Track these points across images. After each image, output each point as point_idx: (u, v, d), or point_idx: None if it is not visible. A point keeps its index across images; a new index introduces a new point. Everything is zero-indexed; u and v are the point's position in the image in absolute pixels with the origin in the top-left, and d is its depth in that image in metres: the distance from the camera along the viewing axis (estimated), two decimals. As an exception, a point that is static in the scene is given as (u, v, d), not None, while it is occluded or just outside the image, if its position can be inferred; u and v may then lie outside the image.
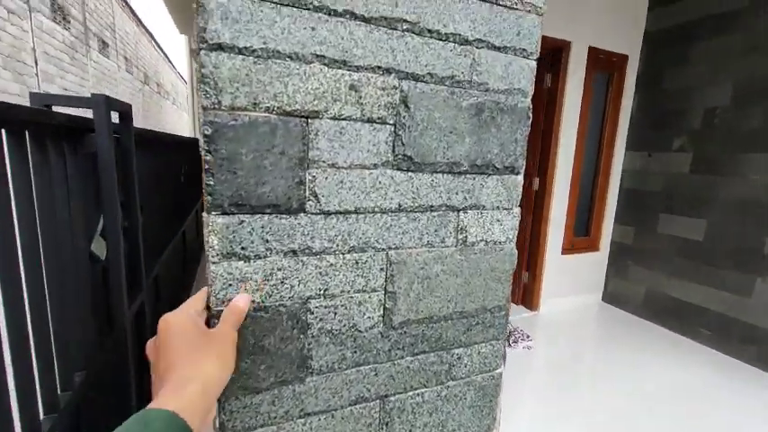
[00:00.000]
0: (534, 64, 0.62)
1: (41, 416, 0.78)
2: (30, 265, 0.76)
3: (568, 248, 3.45)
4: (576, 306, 3.54)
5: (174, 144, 2.71)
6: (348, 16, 0.49)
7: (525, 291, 3.51)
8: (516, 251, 0.69)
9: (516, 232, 0.68)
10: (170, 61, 13.81)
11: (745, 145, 2.70)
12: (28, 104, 1.01)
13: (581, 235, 3.57)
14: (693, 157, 3.01)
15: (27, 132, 0.75)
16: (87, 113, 1.08)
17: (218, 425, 0.50)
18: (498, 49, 0.59)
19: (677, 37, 3.13)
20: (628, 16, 3.31)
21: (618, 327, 3.21)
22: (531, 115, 0.64)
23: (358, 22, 0.50)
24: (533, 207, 3.40)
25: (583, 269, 3.56)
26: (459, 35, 0.56)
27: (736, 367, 2.65)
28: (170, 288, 2.45)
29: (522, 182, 0.66)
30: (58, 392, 0.86)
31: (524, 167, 0.65)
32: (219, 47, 0.44)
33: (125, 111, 1.33)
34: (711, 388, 2.40)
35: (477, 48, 0.57)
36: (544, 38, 3.02)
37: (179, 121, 14.50)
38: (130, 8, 9.97)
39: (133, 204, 1.41)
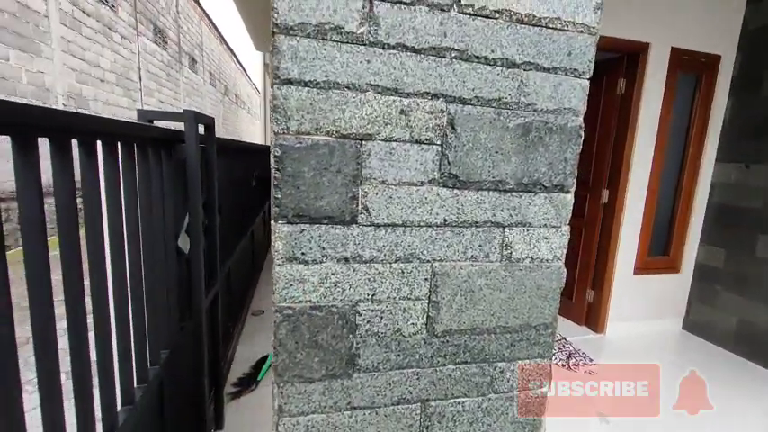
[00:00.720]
0: (587, 83, 0.62)
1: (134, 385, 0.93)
2: (132, 255, 0.92)
3: (641, 268, 3.15)
4: (650, 332, 3.21)
5: (248, 151, 3.00)
6: (400, 48, 0.54)
7: (590, 311, 3.27)
8: (565, 270, 0.69)
9: (565, 251, 0.68)
10: (246, 74, 15.15)
11: None
12: (135, 117, 1.22)
13: (658, 254, 3.24)
14: (804, 171, 2.59)
15: (135, 144, 0.92)
16: (179, 125, 1.27)
17: (276, 407, 0.58)
18: (547, 70, 0.60)
19: (786, 32, 2.73)
20: (721, 11, 2.96)
21: (701, 359, 2.85)
22: (582, 134, 0.63)
23: (409, 53, 0.54)
24: (601, 221, 3.17)
25: (659, 292, 3.22)
26: (507, 59, 0.58)
27: None
28: (239, 282, 2.71)
29: (573, 200, 0.66)
30: (148, 366, 1.01)
31: (578, 182, 0.65)
32: (289, 81, 0.51)
33: (209, 123, 1.53)
34: (821, 442, 2.03)
35: (525, 70, 0.59)
36: (617, 40, 2.82)
37: (252, 127, 15.81)
38: (216, 28, 11.13)
39: (213, 205, 1.60)
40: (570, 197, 0.65)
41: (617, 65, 3.04)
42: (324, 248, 0.56)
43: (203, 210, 1.50)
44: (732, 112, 3.09)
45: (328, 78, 0.52)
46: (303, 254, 0.55)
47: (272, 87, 0.52)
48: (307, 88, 0.52)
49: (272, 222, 0.54)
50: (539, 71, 0.60)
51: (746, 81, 3.00)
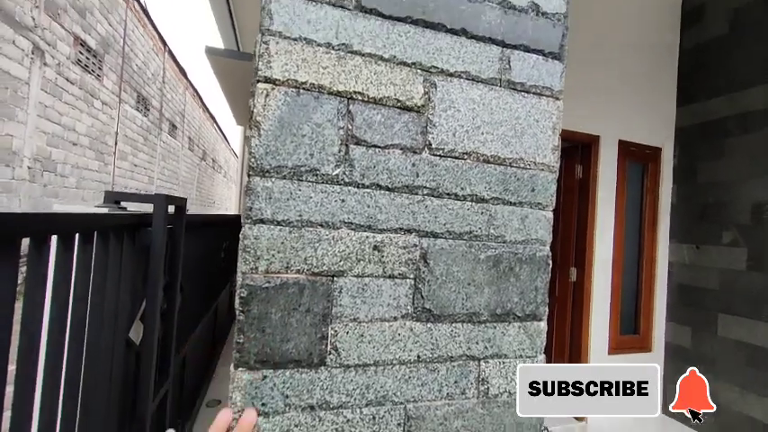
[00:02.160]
0: (551, 215, 0.65)
1: None
2: (72, 351, 0.80)
3: (615, 348, 3.15)
4: (630, 418, 3.11)
5: (218, 223, 2.93)
6: (374, 187, 0.56)
7: (568, 392, 3.16)
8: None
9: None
10: (226, 139, 15.51)
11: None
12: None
13: (629, 332, 3.27)
14: (749, 254, 2.80)
15: (96, 233, 0.85)
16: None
17: None
18: (514, 204, 0.63)
19: (710, 132, 3.14)
20: (659, 110, 3.40)
21: (683, 447, 2.74)
22: (550, 262, 0.65)
23: (382, 192, 0.56)
24: (573, 300, 3.21)
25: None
26: (476, 195, 0.61)
27: None
28: (197, 367, 2.45)
29: (546, 328, 0.65)
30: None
31: (545, 313, 0.65)
32: (261, 221, 0.50)
33: (181, 204, 1.48)
34: None
35: (493, 204, 0.62)
36: (573, 132, 3.13)
37: (227, 191, 15.77)
38: (200, 98, 11.56)
39: (174, 286, 1.50)
40: (543, 325, 0.65)
41: (574, 152, 3.34)
42: (287, 396, 0.51)
43: (163, 292, 1.39)
44: (678, 197, 3.39)
45: (302, 217, 0.52)
46: (264, 404, 0.50)
47: (242, 225, 0.51)
48: (279, 227, 0.51)
49: (231, 369, 0.49)
50: (506, 205, 0.62)
51: (685, 171, 3.35)
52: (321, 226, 0.53)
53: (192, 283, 2.01)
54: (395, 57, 0.55)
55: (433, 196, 0.58)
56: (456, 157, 0.60)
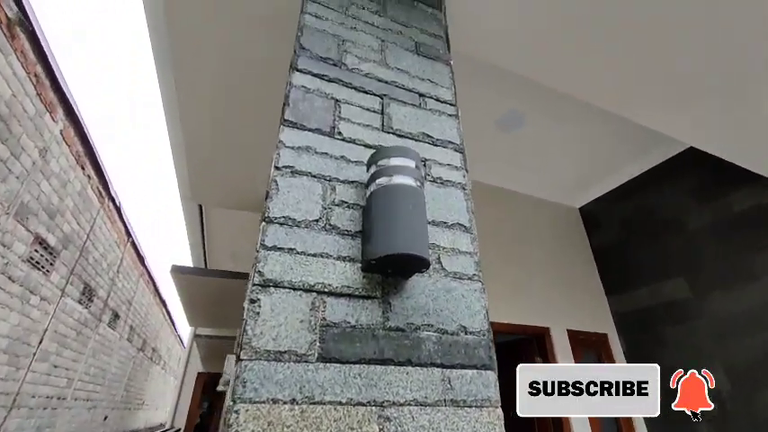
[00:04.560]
0: None
1: None
2: None
3: None
4: None
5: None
6: None
7: None
8: None
9: None
10: (173, 324, 14.39)
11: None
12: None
13: None
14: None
15: None
16: None
17: None
18: None
19: (642, 318, 3.48)
20: (594, 301, 3.81)
21: None
22: None
23: None
24: None
25: None
26: None
27: None
28: None
29: None
30: None
31: None
32: None
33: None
34: None
35: None
36: (525, 326, 3.35)
37: (163, 385, 13.62)
38: (153, 282, 11.28)
39: None
40: None
41: (529, 345, 3.49)
42: None
43: None
44: (636, 387, 3.42)
45: None
46: None
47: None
48: None
49: None
50: None
51: (634, 355, 3.52)
52: None
53: None
54: (351, 399, 0.62)
55: None
56: None
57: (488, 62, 1.85)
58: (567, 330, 3.53)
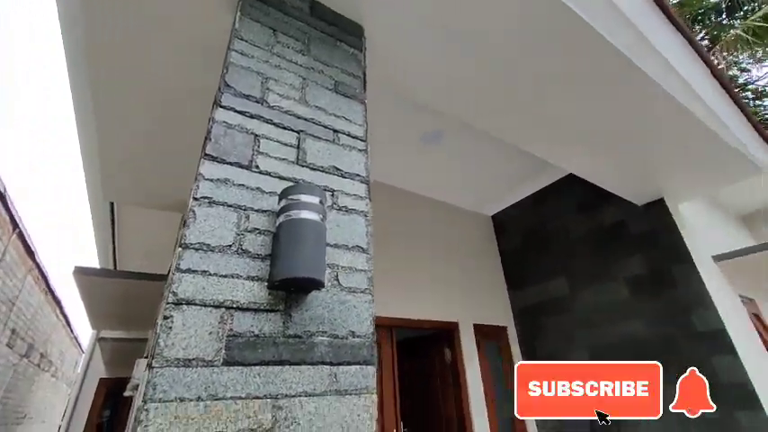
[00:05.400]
0: None
1: None
2: None
3: None
4: None
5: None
6: None
7: None
8: None
9: None
10: (69, 325, 12.70)
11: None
12: None
13: None
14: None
15: None
16: None
17: None
18: None
19: (534, 312, 4.09)
20: (498, 297, 4.36)
21: None
22: None
23: None
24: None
25: None
26: None
27: None
28: None
29: None
30: None
31: None
32: None
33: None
34: None
35: None
36: (436, 322, 3.74)
37: (53, 395, 11.98)
38: (45, 279, 9.88)
39: None
40: None
41: (441, 337, 3.89)
42: None
43: None
44: (524, 372, 4.02)
45: None
46: None
47: None
48: None
49: None
50: None
51: (527, 345, 4.11)
52: None
53: None
54: (250, 394, 0.77)
55: None
56: None
57: (409, 98, 2.10)
58: (474, 324, 4.00)
